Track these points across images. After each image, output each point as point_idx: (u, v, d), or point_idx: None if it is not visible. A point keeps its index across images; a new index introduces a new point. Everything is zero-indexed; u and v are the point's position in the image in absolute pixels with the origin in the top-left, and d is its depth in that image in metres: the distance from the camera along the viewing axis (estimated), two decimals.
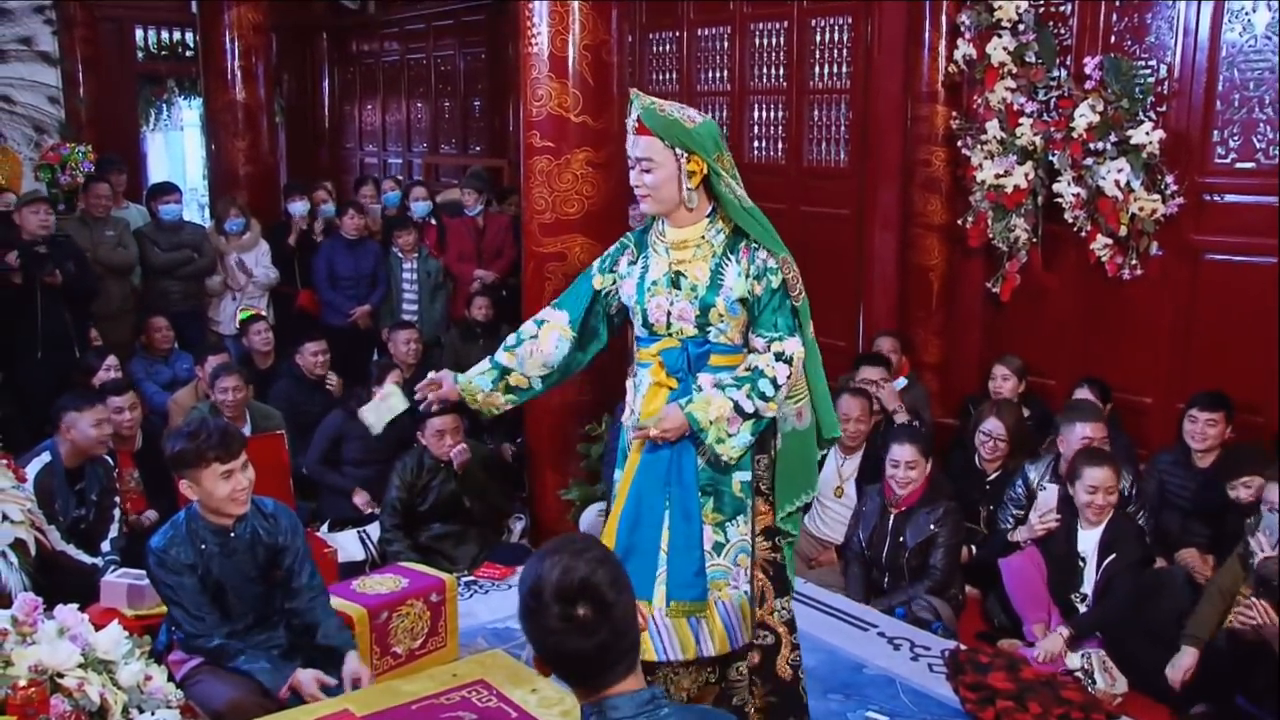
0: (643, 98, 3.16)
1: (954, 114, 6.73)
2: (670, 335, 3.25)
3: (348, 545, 5.68)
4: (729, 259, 3.19)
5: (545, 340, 3.40)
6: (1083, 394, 5.69)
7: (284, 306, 8.24)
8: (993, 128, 6.35)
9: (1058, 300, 6.55)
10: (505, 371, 3.42)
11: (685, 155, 3.14)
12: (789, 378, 3.15)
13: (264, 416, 6.06)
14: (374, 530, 5.76)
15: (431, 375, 3.44)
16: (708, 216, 3.23)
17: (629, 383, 3.41)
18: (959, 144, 6.64)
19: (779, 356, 3.15)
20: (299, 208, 8.46)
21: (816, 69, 7.73)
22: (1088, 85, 6.01)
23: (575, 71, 5.32)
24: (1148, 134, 5.79)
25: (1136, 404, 5.96)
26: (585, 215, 5.47)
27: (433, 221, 8.51)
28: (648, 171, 3.16)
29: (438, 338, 7.81)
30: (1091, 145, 5.95)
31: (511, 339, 3.45)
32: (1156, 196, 5.82)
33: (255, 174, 9.29)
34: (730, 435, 3.10)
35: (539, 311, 3.48)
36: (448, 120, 12.51)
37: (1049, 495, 4.96)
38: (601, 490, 5.32)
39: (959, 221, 6.73)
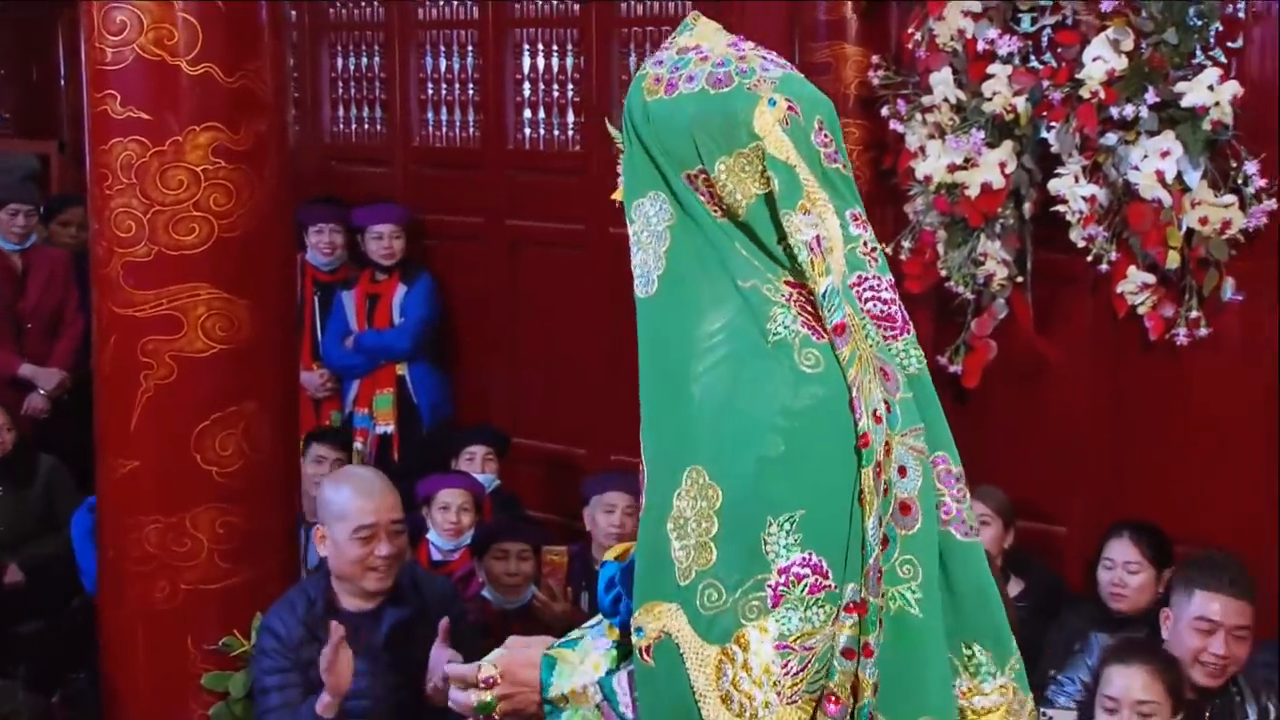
0: (702, 23, 2.28)
1: (875, 58, 5.97)
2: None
3: None
4: None
5: None
6: (1120, 550, 5.10)
7: None
8: (943, 82, 5.61)
9: (1063, 385, 5.82)
10: None
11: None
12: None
13: None
14: None
15: None
16: None
17: None
18: (883, 112, 5.93)
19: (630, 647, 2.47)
20: None
21: None
22: (1106, 5, 5.32)
23: None
24: (1212, 89, 5.22)
25: None
26: (215, 247, 4.60)
27: None
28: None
29: None
30: (1115, 111, 5.32)
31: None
32: (1230, 198, 5.26)
33: None
34: None
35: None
36: None
37: None
38: None
39: (887, 250, 6.03)
